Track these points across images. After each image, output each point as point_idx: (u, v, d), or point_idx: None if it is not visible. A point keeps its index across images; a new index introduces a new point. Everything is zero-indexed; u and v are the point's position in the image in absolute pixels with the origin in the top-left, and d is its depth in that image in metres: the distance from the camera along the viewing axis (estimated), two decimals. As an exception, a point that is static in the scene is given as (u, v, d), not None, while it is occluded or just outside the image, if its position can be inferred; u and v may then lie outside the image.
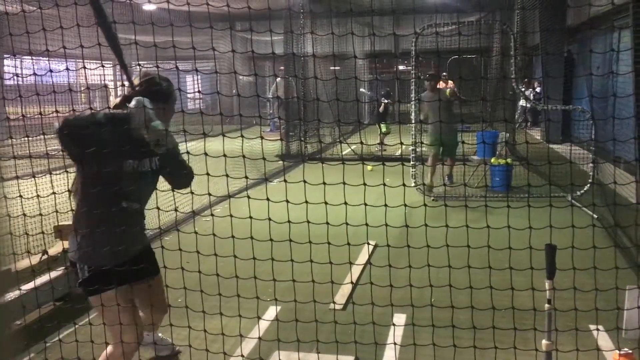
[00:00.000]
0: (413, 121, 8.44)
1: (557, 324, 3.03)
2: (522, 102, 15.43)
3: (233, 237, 3.06)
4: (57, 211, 3.44)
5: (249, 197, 3.12)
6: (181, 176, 3.00)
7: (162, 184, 3.09)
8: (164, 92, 2.93)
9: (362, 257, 5.36)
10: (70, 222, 3.00)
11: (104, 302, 2.84)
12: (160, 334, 3.72)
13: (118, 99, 2.93)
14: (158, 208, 3.10)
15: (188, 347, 3.32)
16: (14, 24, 3.50)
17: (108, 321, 2.90)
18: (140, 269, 2.95)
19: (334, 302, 4.25)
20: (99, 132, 2.67)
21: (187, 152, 3.10)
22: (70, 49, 3.25)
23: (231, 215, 3.12)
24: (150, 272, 3.12)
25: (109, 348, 2.99)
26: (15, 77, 4.19)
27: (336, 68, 13.86)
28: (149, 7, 10.12)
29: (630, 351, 3.28)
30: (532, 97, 15.13)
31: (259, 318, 3.59)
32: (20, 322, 3.93)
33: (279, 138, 12.97)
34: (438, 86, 9.58)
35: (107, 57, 3.06)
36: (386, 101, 13.43)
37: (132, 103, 2.69)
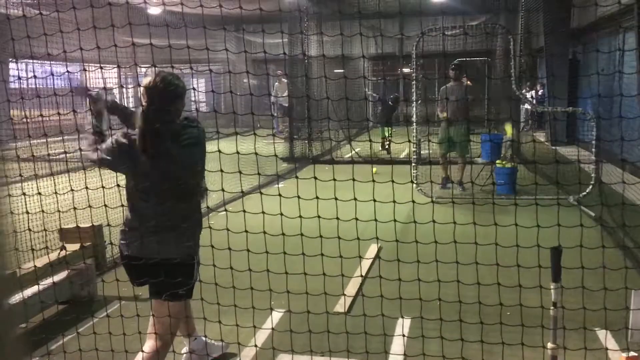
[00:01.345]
0: (415, 123, 8.47)
1: (563, 325, 3.06)
2: (526, 106, 15.45)
3: (246, 231, 3.17)
4: (75, 208, 3.55)
5: (261, 194, 3.22)
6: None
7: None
8: (181, 91, 2.96)
9: (368, 258, 5.43)
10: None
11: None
12: (204, 337, 3.58)
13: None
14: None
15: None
16: (19, 27, 3.57)
17: (173, 313, 2.96)
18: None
19: (344, 295, 4.33)
20: None
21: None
22: (71, 52, 3.35)
23: (244, 211, 3.21)
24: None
25: (159, 342, 2.99)
26: (19, 80, 4.30)
27: (340, 70, 13.93)
28: (153, 11, 10.24)
29: (636, 354, 3.29)
30: (534, 100, 15.13)
31: (271, 309, 3.69)
32: (23, 325, 3.96)
33: (283, 139, 13.05)
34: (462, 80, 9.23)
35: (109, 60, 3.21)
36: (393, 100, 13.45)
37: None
